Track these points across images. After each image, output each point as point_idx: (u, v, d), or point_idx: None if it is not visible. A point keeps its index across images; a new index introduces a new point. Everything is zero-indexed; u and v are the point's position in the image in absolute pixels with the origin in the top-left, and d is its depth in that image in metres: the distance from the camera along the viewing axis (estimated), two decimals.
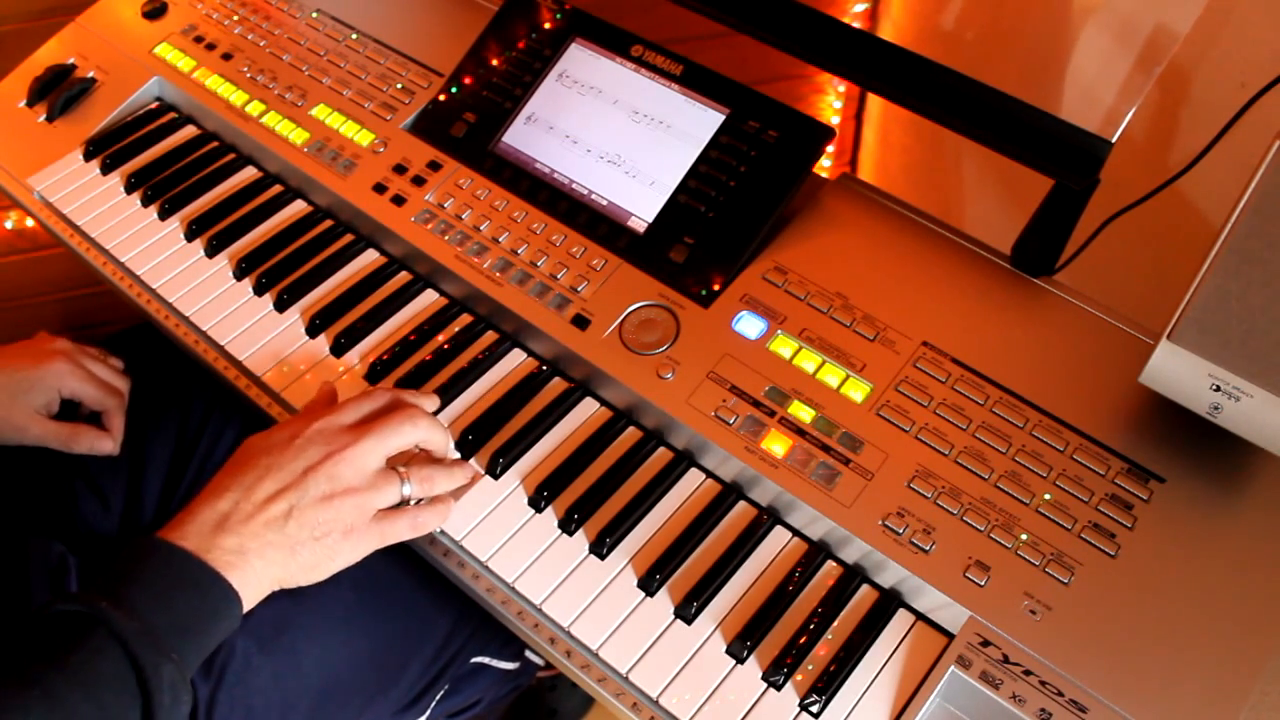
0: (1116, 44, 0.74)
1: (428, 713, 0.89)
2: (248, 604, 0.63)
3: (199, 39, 1.06)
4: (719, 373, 0.76)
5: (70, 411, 0.86)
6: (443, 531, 0.72)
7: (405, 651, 0.84)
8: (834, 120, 1.55)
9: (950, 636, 0.66)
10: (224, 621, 0.62)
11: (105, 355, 0.90)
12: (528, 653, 0.99)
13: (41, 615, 0.58)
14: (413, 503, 0.71)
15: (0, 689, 0.54)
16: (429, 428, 0.72)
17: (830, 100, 1.52)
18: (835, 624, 0.67)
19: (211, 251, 0.91)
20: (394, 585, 0.84)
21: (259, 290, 0.88)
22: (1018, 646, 0.63)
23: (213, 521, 0.63)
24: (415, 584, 0.84)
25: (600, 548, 0.71)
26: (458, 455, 0.76)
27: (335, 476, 0.66)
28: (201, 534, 0.63)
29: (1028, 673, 0.62)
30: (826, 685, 0.64)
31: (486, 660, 0.93)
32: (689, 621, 0.67)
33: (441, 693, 0.89)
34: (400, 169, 0.91)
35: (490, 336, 0.84)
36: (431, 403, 0.78)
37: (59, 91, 1.03)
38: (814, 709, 0.63)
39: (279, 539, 0.64)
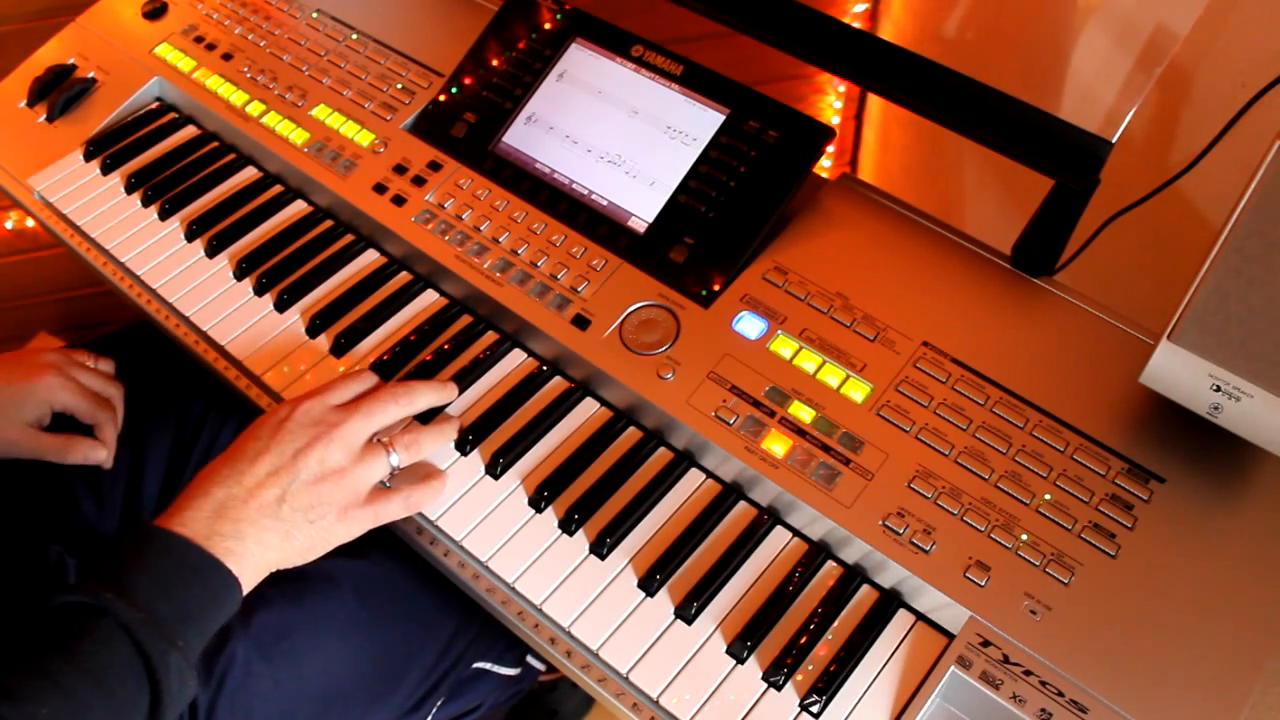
0: (1116, 44, 0.74)
1: (429, 718, 0.88)
2: (246, 588, 0.64)
3: (199, 39, 1.06)
4: (719, 373, 0.76)
5: (61, 420, 0.85)
6: (442, 531, 0.72)
7: (406, 657, 0.84)
8: (834, 120, 1.55)
9: (950, 636, 0.66)
10: (225, 607, 0.62)
11: (96, 360, 0.89)
12: (529, 658, 0.99)
13: (46, 606, 0.58)
14: (398, 469, 0.71)
15: (12, 680, 0.54)
16: (412, 398, 0.73)
17: (830, 100, 1.52)
18: (835, 624, 0.67)
19: (212, 252, 0.91)
20: (395, 591, 0.84)
21: (259, 290, 0.88)
22: (1018, 647, 0.63)
23: (210, 509, 0.64)
24: (416, 590, 0.84)
25: (600, 548, 0.71)
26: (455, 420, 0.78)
27: (325, 458, 0.67)
28: (199, 521, 0.63)
29: (1028, 673, 0.62)
30: (827, 685, 0.64)
31: (488, 666, 0.93)
32: (689, 622, 0.67)
33: (443, 698, 0.89)
34: (400, 169, 0.91)
35: (490, 337, 0.84)
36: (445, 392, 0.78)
37: (59, 91, 1.03)
38: (814, 709, 0.63)
39: (273, 524, 0.65)
